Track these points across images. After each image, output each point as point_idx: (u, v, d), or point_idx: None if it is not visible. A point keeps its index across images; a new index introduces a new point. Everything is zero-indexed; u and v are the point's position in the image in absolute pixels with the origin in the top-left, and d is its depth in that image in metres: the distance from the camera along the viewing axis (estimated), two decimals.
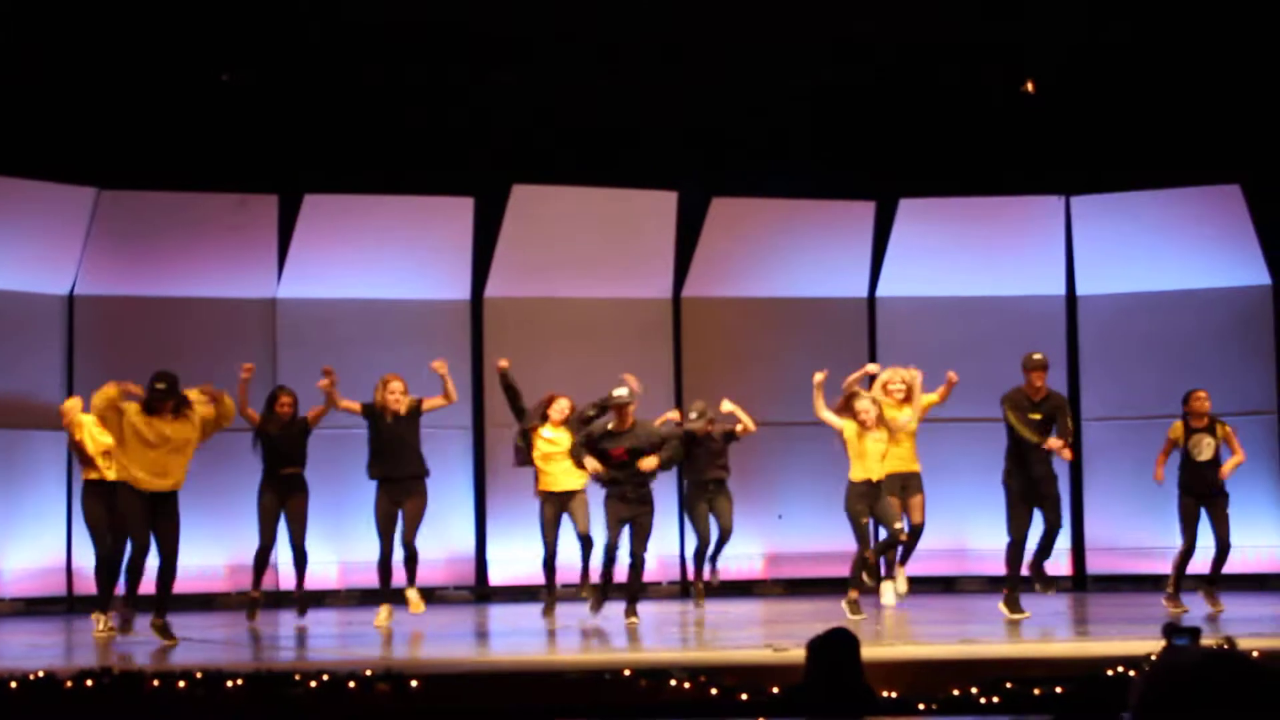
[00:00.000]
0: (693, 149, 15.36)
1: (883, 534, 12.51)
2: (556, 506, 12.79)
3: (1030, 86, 15.40)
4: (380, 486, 12.31)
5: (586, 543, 12.86)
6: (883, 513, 12.14)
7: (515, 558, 14.85)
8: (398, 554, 12.21)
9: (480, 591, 15.31)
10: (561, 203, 15.42)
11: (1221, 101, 14.96)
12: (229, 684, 7.50)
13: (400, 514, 12.22)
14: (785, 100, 15.29)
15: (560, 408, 12.93)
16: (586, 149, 15.35)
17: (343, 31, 14.63)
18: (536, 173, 15.30)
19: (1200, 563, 12.56)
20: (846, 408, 12.32)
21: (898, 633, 11.22)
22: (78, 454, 12.32)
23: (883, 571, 12.94)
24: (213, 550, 14.44)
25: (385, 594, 12.27)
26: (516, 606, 13.37)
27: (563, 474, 12.73)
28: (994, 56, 15.07)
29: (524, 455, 13.01)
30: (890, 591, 12.86)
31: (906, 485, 12.96)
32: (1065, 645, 10.22)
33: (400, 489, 12.23)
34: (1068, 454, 12.15)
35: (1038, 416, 12.23)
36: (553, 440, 12.86)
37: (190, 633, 11.27)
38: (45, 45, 14.12)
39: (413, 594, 12.24)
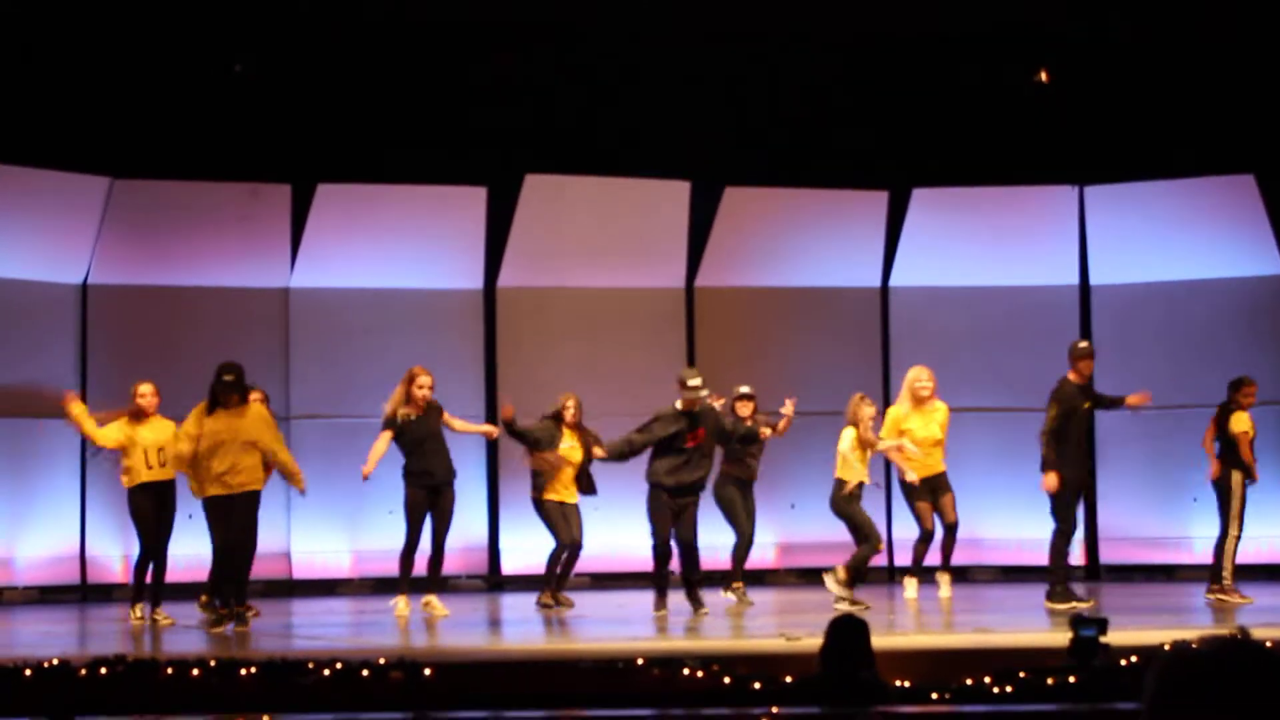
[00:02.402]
0: (706, 138, 15.34)
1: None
2: (559, 509, 12.83)
3: (1044, 76, 15.37)
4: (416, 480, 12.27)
5: (577, 549, 12.90)
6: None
7: (528, 546, 14.85)
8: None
9: (493, 580, 15.32)
10: (574, 192, 15.42)
11: (1235, 91, 14.92)
12: (242, 672, 7.51)
13: (432, 512, 12.21)
14: (798, 90, 15.26)
15: (570, 410, 12.89)
16: (599, 138, 15.34)
17: (355, 21, 14.63)
18: (549, 162, 15.29)
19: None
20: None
21: (911, 622, 11.23)
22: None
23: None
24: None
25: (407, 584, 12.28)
26: (529, 595, 13.37)
27: (566, 486, 12.78)
28: (1008, 46, 15.04)
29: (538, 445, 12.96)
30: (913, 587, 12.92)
31: (936, 487, 12.93)
32: None
33: (434, 486, 12.23)
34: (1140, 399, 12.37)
35: (1087, 405, 12.31)
36: (570, 449, 12.87)
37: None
38: (59, 35, 14.13)
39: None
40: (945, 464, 13.05)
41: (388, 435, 12.17)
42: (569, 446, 12.83)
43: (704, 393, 11.88)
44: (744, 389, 13.11)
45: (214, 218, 14.94)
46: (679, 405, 11.88)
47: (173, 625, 11.58)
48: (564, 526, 12.77)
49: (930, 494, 12.83)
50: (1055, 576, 11.96)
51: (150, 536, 11.89)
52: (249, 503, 11.22)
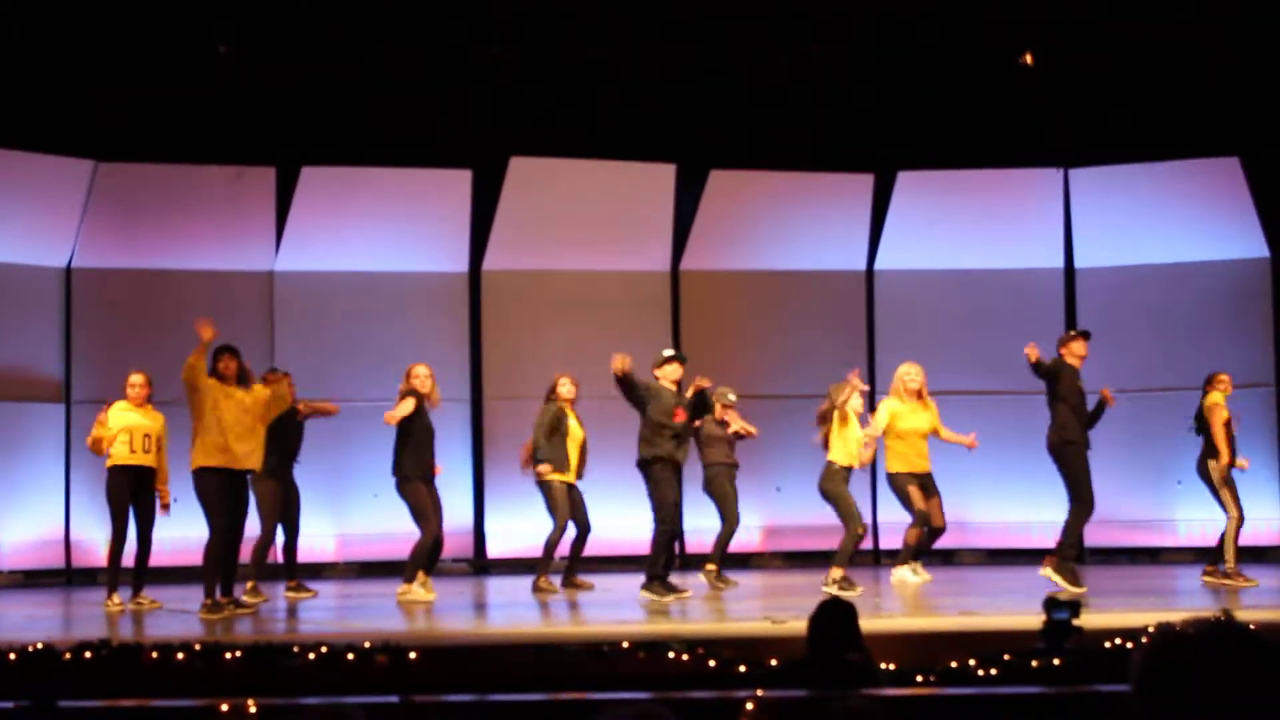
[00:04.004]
0: (691, 121, 15.33)
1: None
2: (564, 493, 12.82)
3: (1029, 59, 15.37)
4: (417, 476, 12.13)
5: (587, 532, 12.96)
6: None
7: (513, 530, 14.87)
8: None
9: (478, 564, 15.32)
10: (560, 175, 15.40)
11: (1220, 74, 14.93)
12: (227, 656, 7.50)
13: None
14: (784, 72, 15.26)
15: (567, 389, 12.92)
16: (585, 121, 15.32)
17: (341, 3, 14.59)
18: (535, 145, 15.27)
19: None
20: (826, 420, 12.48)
21: (896, 605, 11.24)
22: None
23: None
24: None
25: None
26: (515, 579, 13.37)
27: (572, 467, 12.81)
28: (993, 29, 15.03)
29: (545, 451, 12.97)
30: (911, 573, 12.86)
31: (924, 485, 12.93)
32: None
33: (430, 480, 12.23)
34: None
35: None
36: (573, 428, 12.90)
37: (190, 605, 11.30)
38: (43, 17, 14.08)
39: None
40: (930, 464, 13.08)
41: (411, 401, 12.01)
42: (573, 425, 12.88)
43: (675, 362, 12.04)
44: (731, 396, 13.10)
45: (198, 201, 14.91)
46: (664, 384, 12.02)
47: (159, 609, 11.56)
48: (573, 511, 12.82)
49: (922, 490, 12.81)
50: (1065, 552, 11.82)
51: (122, 521, 11.85)
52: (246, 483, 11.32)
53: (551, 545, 12.85)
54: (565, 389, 12.95)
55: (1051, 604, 6.72)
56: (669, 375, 12.04)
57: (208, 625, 10.42)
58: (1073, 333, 12.38)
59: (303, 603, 12.32)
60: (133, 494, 11.87)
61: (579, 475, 12.93)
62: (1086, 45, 15.16)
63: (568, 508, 12.82)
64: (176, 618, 11.03)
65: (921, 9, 14.83)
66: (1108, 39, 15.03)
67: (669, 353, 12.26)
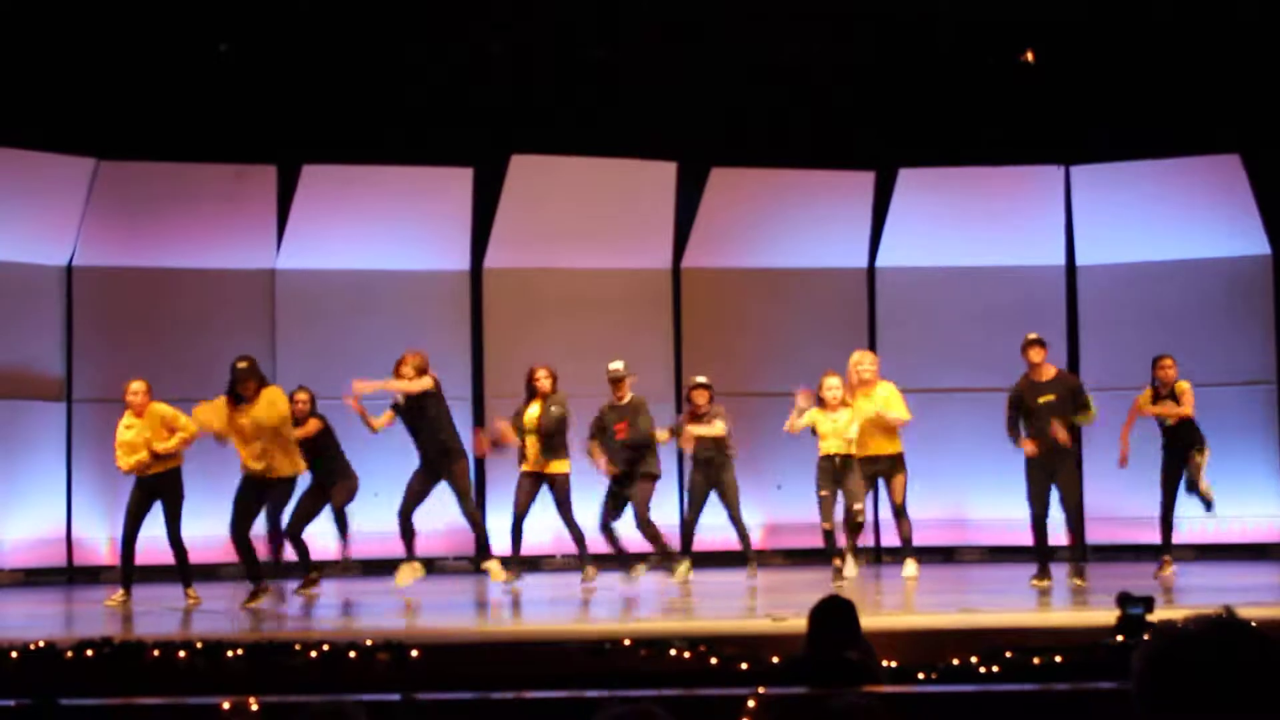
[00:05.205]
0: (693, 119, 15.31)
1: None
2: (533, 483, 12.91)
3: (1030, 55, 15.36)
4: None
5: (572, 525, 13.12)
6: (846, 489, 12.65)
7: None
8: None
9: (479, 562, 15.29)
10: (561, 173, 15.39)
11: (1221, 70, 14.91)
12: (229, 654, 7.51)
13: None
14: (785, 70, 15.24)
15: (542, 382, 12.94)
16: (586, 119, 15.31)
17: (340, 3, 14.59)
18: (536, 143, 15.26)
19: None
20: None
21: (898, 602, 11.25)
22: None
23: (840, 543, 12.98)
24: (216, 520, 14.39)
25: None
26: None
27: (532, 455, 12.85)
28: (994, 25, 15.02)
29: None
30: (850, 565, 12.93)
31: (879, 471, 13.02)
32: (1065, 614, 10.23)
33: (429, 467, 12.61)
34: (1062, 435, 12.27)
35: (1051, 398, 12.31)
36: (531, 417, 12.92)
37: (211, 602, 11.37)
38: (44, 14, 14.07)
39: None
40: (901, 447, 13.15)
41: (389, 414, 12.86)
42: (534, 414, 12.89)
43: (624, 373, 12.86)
44: (700, 379, 13.23)
45: (199, 199, 14.90)
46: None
47: (198, 604, 11.68)
48: (518, 500, 12.95)
49: (870, 479, 12.93)
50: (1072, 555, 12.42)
51: (129, 525, 11.99)
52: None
53: (512, 535, 13.09)
54: (540, 381, 13.02)
55: (1126, 599, 6.75)
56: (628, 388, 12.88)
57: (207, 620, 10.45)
58: (1028, 338, 12.60)
59: (305, 601, 12.33)
60: (152, 498, 11.99)
61: (534, 461, 12.95)
62: (1087, 42, 15.15)
63: (517, 496, 12.99)
64: (179, 615, 11.04)
65: (921, 8, 14.81)
66: (1109, 36, 15.01)
67: (623, 367, 12.92)
